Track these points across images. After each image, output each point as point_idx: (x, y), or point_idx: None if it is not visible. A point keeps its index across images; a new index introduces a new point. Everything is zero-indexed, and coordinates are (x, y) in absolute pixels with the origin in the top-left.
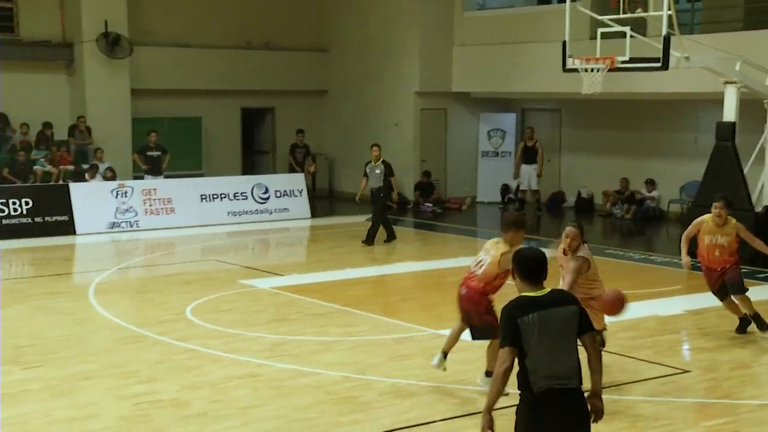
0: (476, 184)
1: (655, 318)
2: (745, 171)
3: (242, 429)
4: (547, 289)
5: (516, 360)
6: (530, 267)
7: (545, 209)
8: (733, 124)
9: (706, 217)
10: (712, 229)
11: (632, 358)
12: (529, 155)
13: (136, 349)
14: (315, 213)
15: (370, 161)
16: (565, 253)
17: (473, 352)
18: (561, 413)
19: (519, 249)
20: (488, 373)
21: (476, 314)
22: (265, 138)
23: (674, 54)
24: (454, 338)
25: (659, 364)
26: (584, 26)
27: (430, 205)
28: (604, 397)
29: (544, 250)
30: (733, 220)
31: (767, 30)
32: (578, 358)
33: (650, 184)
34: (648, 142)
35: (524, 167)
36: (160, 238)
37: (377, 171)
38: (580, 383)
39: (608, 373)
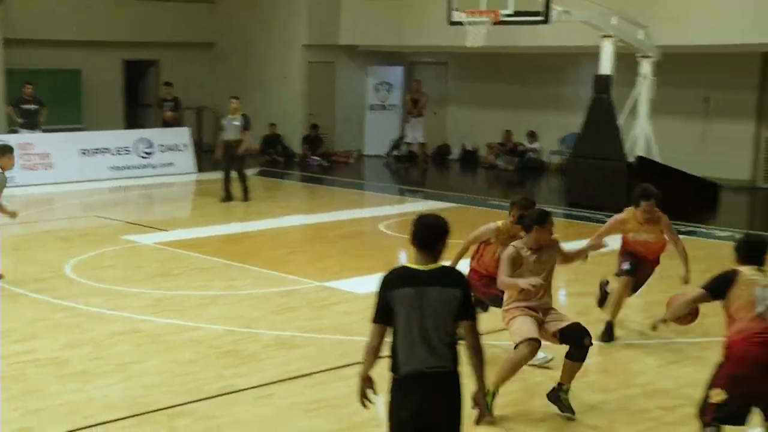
0: (363, 137)
1: None
2: (620, 122)
3: (123, 384)
4: (436, 265)
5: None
6: (423, 235)
7: (431, 162)
8: (609, 77)
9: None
10: (636, 228)
11: None
12: (415, 108)
13: (11, 307)
14: (201, 167)
15: (227, 114)
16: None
17: (357, 303)
18: (430, 398)
19: (421, 214)
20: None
21: (478, 293)
22: (149, 91)
23: (555, 8)
24: None
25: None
26: None
27: (317, 158)
28: (489, 342)
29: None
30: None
31: None
32: (453, 343)
33: (532, 136)
34: (530, 94)
35: (411, 120)
36: (38, 194)
37: (235, 123)
38: (456, 368)
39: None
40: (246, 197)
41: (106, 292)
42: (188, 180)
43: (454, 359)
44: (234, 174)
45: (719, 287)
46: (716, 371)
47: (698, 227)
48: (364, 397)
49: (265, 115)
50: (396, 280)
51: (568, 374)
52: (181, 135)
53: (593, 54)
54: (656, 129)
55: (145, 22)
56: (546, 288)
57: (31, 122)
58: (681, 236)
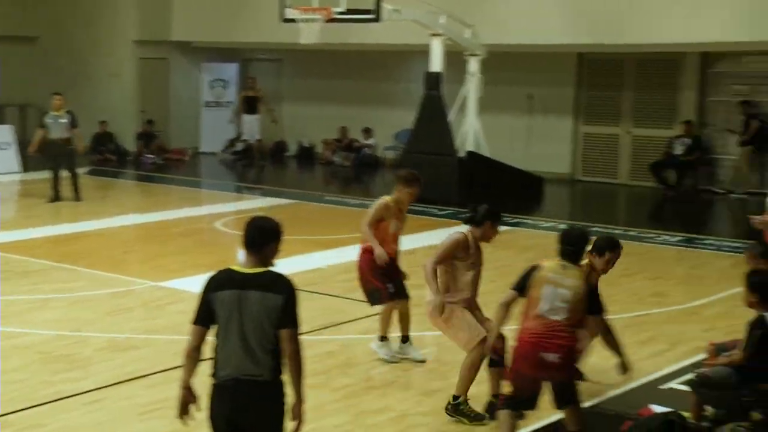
0: (199, 134)
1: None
2: (450, 119)
3: None
4: (261, 269)
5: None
6: (252, 236)
7: (268, 158)
8: (440, 74)
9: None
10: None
11: (349, 299)
12: (250, 105)
13: None
14: (26, 167)
15: (49, 111)
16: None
17: (193, 302)
18: (245, 407)
19: (254, 216)
20: (382, 338)
21: (361, 279)
22: None
23: (386, 7)
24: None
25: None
26: None
27: (152, 156)
28: (325, 338)
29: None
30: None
31: None
32: (275, 351)
33: (367, 132)
34: (364, 91)
35: (246, 117)
36: None
37: (62, 120)
38: (276, 377)
39: (327, 315)
40: (77, 197)
41: None
42: (12, 180)
43: (275, 368)
44: (64, 173)
45: (522, 284)
46: (510, 364)
47: (524, 219)
48: (184, 410)
49: (95, 112)
50: (218, 281)
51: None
52: (4, 133)
53: (424, 52)
54: (484, 125)
55: None
56: (477, 283)
57: None
58: (509, 228)
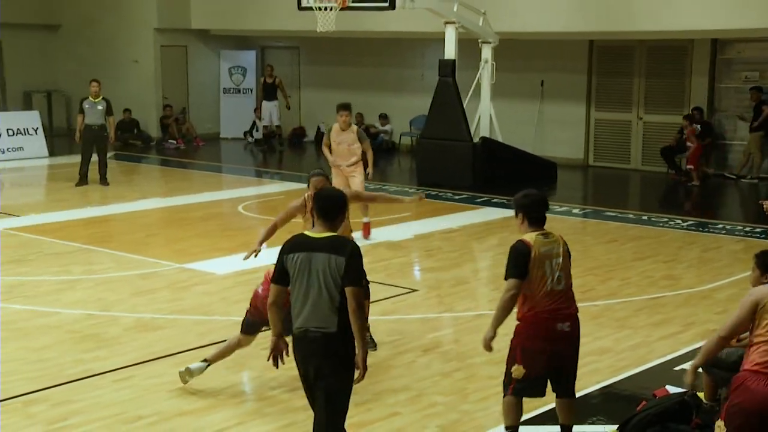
0: (219, 120)
1: (387, 243)
2: (465, 105)
3: None
4: (330, 234)
5: None
6: (324, 206)
7: (287, 144)
8: (453, 61)
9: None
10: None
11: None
12: (269, 92)
13: None
14: (53, 151)
15: (87, 97)
16: None
17: (216, 284)
18: (315, 356)
19: (321, 189)
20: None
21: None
22: None
23: None
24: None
25: (391, 285)
26: None
27: (174, 141)
28: None
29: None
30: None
31: None
32: (340, 306)
33: (384, 118)
34: (380, 78)
35: (265, 103)
36: None
37: (99, 107)
38: (341, 330)
39: None
40: (104, 181)
41: None
42: (40, 164)
43: (341, 321)
44: (95, 158)
45: (524, 269)
46: (512, 348)
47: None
48: (274, 357)
49: (117, 98)
50: (291, 245)
51: None
52: (32, 119)
53: (438, 39)
54: (498, 111)
55: None
56: None
57: None
58: None
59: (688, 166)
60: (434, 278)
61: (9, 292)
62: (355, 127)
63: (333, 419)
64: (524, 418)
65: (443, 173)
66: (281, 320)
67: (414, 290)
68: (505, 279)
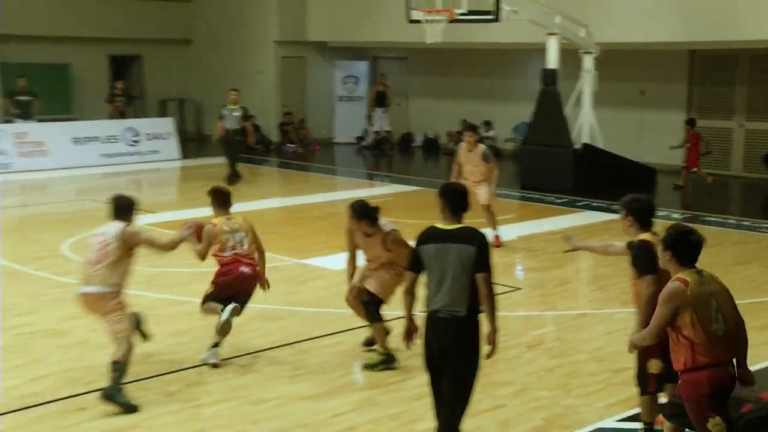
0: (333, 126)
1: (490, 244)
2: (566, 112)
3: None
4: (459, 225)
5: None
6: (451, 200)
7: (397, 149)
8: (555, 71)
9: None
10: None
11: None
12: (380, 99)
13: (13, 284)
14: (185, 154)
15: (226, 104)
16: None
17: (332, 278)
18: (444, 336)
19: (447, 183)
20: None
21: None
22: (133, 84)
23: (504, 8)
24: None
25: (495, 283)
26: None
27: (292, 145)
28: None
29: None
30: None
31: None
32: (470, 292)
33: (488, 125)
34: (485, 87)
35: (377, 110)
36: (33, 179)
37: (236, 114)
38: (473, 314)
39: None
40: (234, 181)
41: None
42: (173, 166)
43: (471, 305)
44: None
45: (657, 263)
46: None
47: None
48: (409, 337)
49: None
50: (425, 237)
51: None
52: (166, 125)
53: (540, 50)
54: (599, 118)
55: (129, 20)
56: None
57: (25, 113)
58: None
59: None
60: (537, 278)
61: (149, 282)
62: (481, 147)
63: (459, 397)
64: (622, 416)
65: (545, 178)
66: (411, 305)
67: (517, 288)
68: (639, 277)
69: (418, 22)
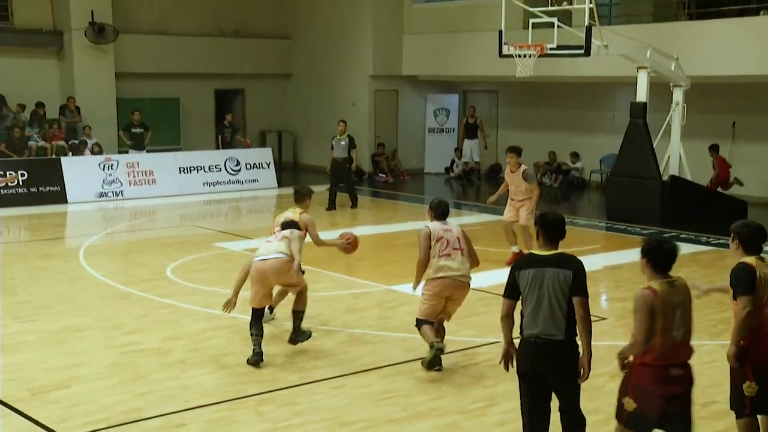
0: (424, 157)
1: None
2: (654, 145)
3: (216, 374)
4: (555, 251)
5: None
6: (549, 228)
7: (485, 179)
8: (645, 104)
9: None
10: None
11: None
12: (470, 131)
13: (122, 304)
14: (281, 183)
15: (336, 135)
16: None
17: (416, 305)
18: (542, 361)
19: (544, 213)
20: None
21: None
22: (236, 116)
23: (595, 42)
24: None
25: None
26: (518, 17)
27: (383, 175)
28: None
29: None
30: None
31: (673, 22)
32: (567, 316)
33: (575, 156)
34: (572, 119)
35: (466, 142)
36: (142, 206)
37: (342, 143)
38: (570, 338)
39: None
40: (354, 204)
41: (201, 292)
42: (271, 194)
43: (568, 329)
44: (342, 185)
45: (752, 285)
46: (738, 367)
47: (727, 240)
48: (507, 361)
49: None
50: (523, 263)
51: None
52: (265, 154)
53: (628, 83)
54: (687, 150)
55: (233, 57)
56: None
57: (138, 144)
58: (713, 248)
59: None
60: (623, 307)
61: (245, 305)
62: (522, 168)
63: (573, 417)
64: None
65: (632, 209)
66: (511, 329)
67: (603, 318)
68: (735, 298)
69: (509, 56)
